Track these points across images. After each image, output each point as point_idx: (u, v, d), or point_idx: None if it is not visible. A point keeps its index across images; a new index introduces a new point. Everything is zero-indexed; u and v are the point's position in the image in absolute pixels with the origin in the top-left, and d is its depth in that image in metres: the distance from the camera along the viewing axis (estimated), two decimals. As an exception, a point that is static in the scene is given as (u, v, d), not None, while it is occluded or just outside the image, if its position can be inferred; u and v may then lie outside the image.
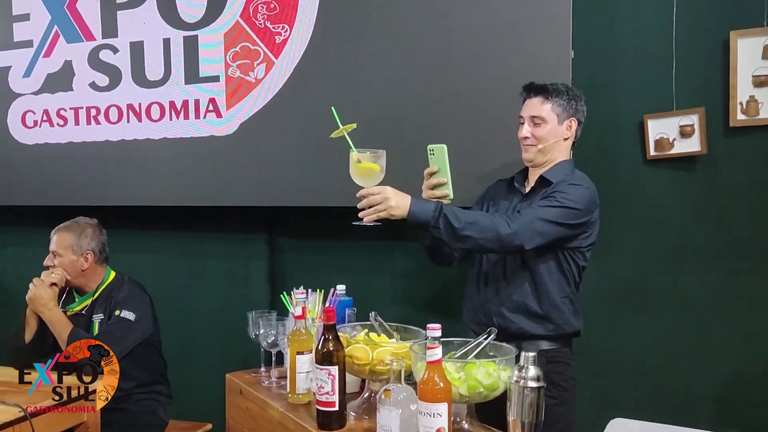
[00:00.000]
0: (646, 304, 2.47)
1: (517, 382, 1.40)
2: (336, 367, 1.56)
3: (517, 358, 1.44)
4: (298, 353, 1.72)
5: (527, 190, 2.03)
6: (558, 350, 1.93)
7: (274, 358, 1.97)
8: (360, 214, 1.80)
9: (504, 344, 1.57)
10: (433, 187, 1.94)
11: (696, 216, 2.39)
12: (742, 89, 2.28)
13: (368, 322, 1.78)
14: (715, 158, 2.34)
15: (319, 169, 2.60)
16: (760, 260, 2.31)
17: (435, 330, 1.38)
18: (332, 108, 1.90)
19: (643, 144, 2.42)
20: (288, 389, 1.77)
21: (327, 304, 2.01)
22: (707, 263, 2.38)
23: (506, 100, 2.15)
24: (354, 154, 1.82)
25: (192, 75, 2.79)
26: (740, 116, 2.29)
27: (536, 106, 1.96)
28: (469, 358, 1.53)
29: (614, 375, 2.51)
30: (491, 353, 1.56)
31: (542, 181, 1.98)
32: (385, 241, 2.81)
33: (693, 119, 2.34)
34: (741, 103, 2.29)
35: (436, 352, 1.37)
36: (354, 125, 1.87)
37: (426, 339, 1.40)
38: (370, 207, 1.78)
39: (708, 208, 2.37)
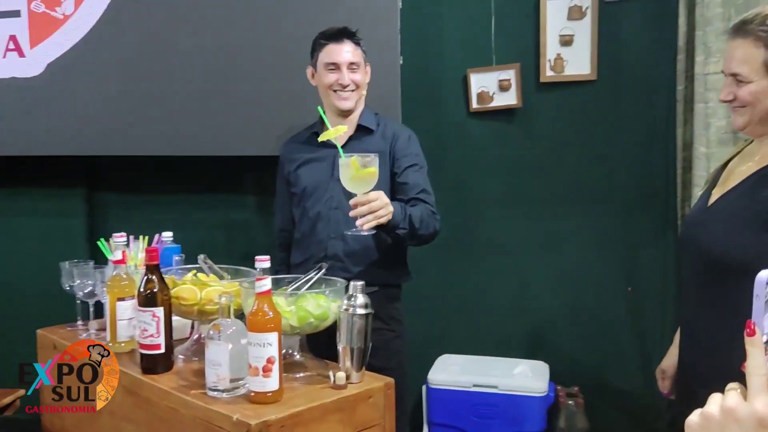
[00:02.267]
0: (472, 249, 2.64)
1: (346, 310, 1.43)
2: (161, 309, 1.48)
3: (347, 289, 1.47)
4: (119, 299, 1.61)
5: (342, 142, 1.95)
6: (393, 287, 2.00)
7: (92, 310, 1.83)
8: (359, 222, 1.66)
9: (334, 278, 1.59)
10: None
11: (515, 165, 2.59)
12: (551, 47, 2.49)
13: (197, 265, 1.71)
14: (529, 111, 2.55)
15: (141, 116, 2.44)
16: (570, 205, 2.55)
17: (263, 261, 1.36)
18: (318, 108, 1.84)
19: (467, 96, 2.56)
20: (108, 339, 1.66)
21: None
22: (525, 210, 2.59)
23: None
24: (355, 159, 1.63)
25: (-13, 8, 2.48)
26: (549, 72, 2.50)
27: (352, 51, 1.95)
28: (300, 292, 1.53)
29: (443, 316, 2.67)
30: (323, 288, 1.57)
31: (359, 128, 2.00)
32: (217, 193, 2.72)
33: (510, 74, 2.52)
34: (549, 61, 2.49)
35: (265, 283, 1.34)
36: (345, 128, 1.80)
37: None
38: (369, 213, 1.65)
39: (525, 157, 2.58)
